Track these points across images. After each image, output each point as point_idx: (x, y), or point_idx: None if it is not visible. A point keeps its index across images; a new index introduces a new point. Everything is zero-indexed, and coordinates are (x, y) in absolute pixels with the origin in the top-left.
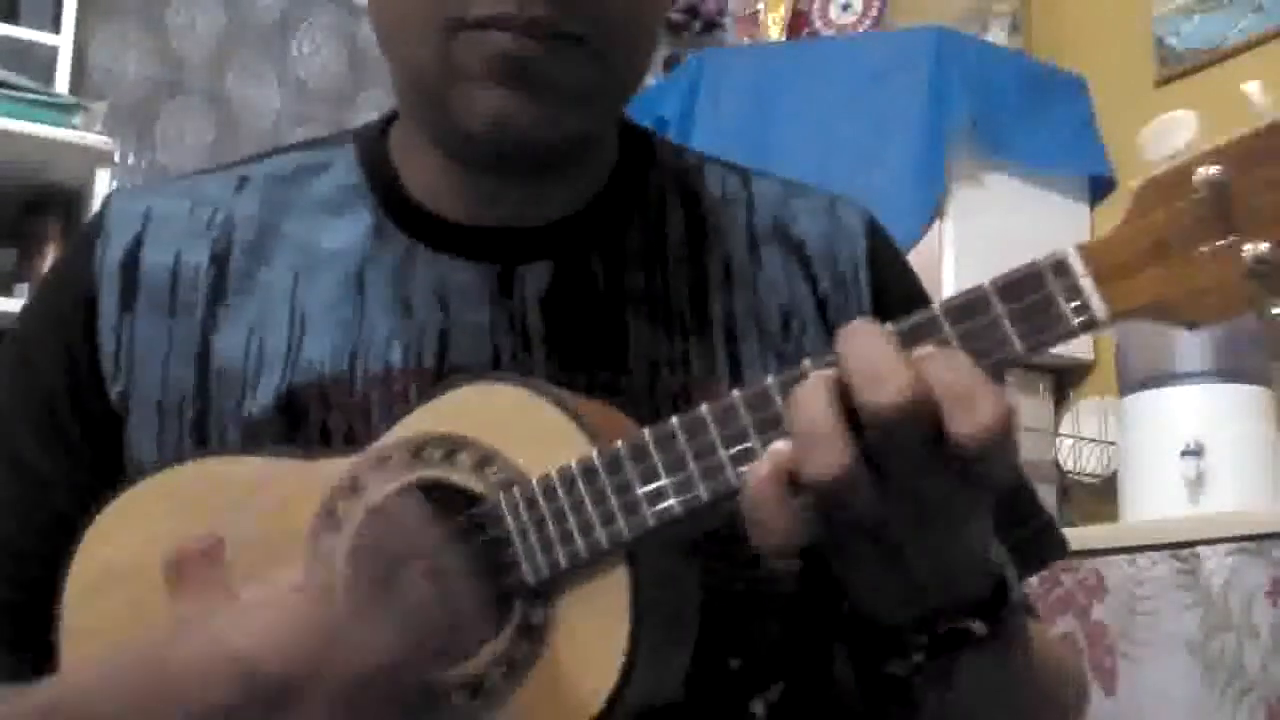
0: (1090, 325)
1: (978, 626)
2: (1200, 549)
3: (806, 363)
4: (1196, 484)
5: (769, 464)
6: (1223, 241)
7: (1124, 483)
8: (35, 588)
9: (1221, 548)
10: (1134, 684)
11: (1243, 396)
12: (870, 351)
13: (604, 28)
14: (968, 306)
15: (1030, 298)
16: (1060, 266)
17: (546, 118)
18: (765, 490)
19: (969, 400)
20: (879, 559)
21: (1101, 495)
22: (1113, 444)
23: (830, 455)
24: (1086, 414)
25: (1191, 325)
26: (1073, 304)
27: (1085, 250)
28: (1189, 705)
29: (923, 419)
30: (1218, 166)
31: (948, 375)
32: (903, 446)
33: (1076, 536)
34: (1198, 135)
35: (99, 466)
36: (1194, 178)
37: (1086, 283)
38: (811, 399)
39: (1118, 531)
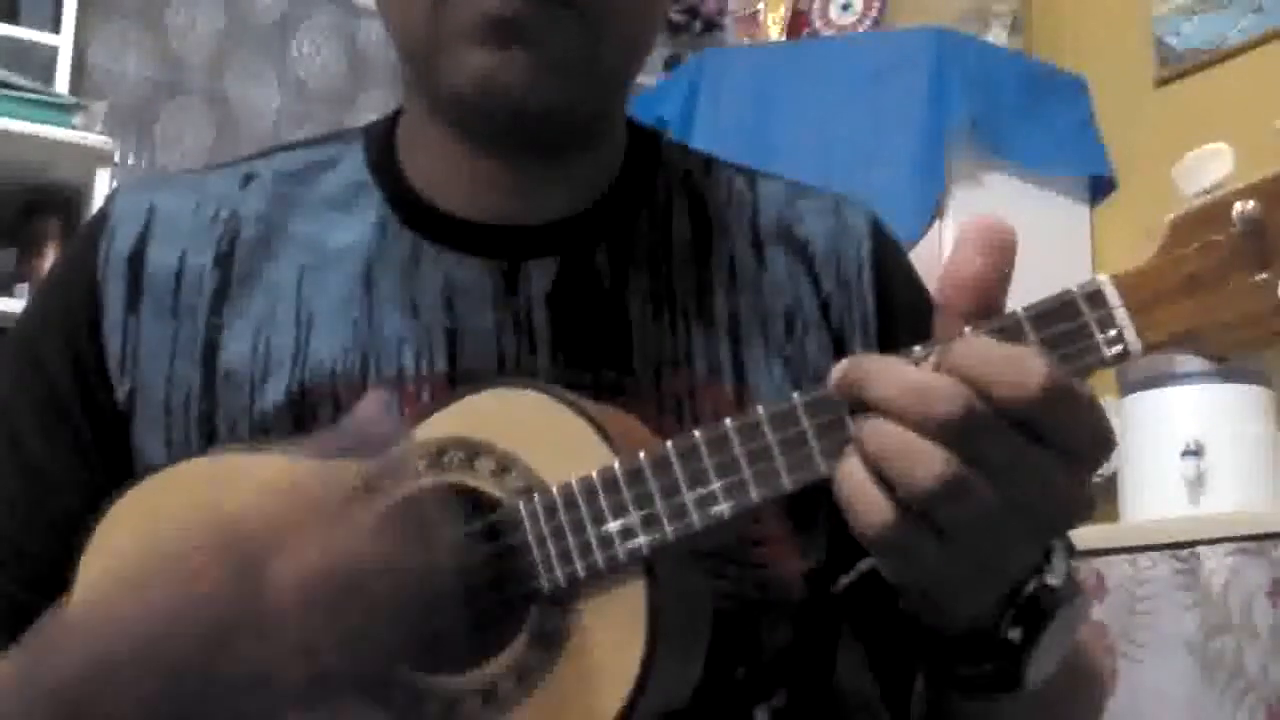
0: (1123, 357)
1: (1059, 571)
2: (1200, 549)
3: (831, 389)
4: (1196, 484)
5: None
6: (1257, 277)
7: (1124, 483)
8: (42, 586)
9: (1221, 548)
10: (1133, 684)
11: (1243, 396)
12: (902, 375)
13: None
14: (1001, 334)
15: (1064, 326)
16: (1095, 297)
17: (535, 79)
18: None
19: (1014, 369)
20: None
21: (1102, 495)
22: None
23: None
24: None
25: (1222, 359)
26: (1107, 334)
27: (1119, 280)
28: (1188, 706)
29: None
30: (1254, 203)
31: (982, 359)
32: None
33: (1077, 536)
34: (1234, 169)
35: (106, 463)
36: (1230, 212)
37: (1121, 314)
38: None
39: (1118, 531)
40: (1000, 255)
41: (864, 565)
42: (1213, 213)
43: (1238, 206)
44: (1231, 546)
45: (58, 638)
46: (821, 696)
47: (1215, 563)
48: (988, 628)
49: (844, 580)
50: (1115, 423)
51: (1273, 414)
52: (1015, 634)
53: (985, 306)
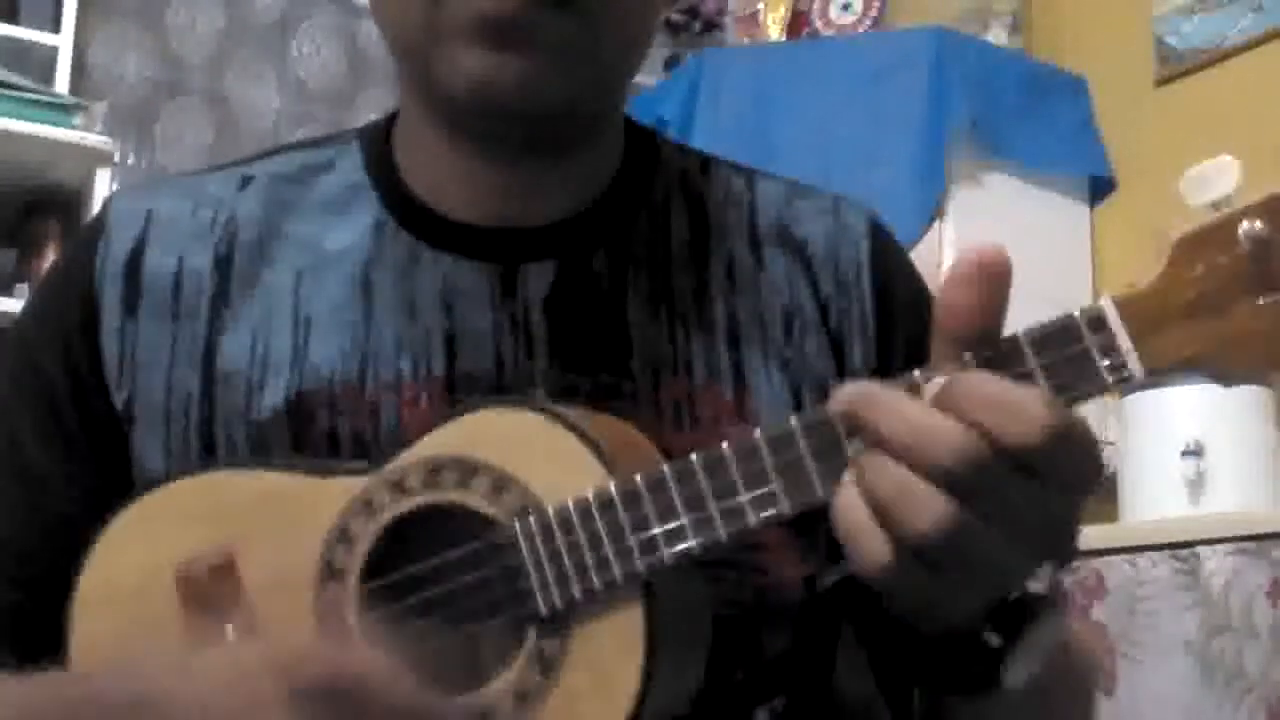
0: (1124, 382)
1: (1043, 578)
2: (1200, 549)
3: (829, 409)
4: (1196, 484)
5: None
6: (1263, 300)
7: (1124, 483)
8: (37, 589)
9: (1221, 548)
10: (1134, 684)
11: (1243, 396)
12: (906, 414)
13: None
14: (1002, 359)
15: (1065, 351)
16: (1096, 321)
17: (529, 78)
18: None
19: (1016, 413)
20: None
21: (1102, 495)
22: (1113, 444)
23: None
24: (1086, 414)
25: (1227, 381)
26: (1109, 360)
27: (1121, 304)
28: (1189, 706)
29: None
30: (1261, 222)
31: (984, 401)
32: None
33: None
34: (1240, 183)
35: (102, 467)
36: (1238, 232)
37: (1124, 340)
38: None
39: (1118, 532)
40: (996, 286)
41: (847, 568)
42: (1218, 232)
43: (1244, 226)
44: (1231, 546)
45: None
46: (821, 700)
47: (1215, 563)
48: (967, 631)
49: (825, 581)
50: (1115, 423)
51: (1273, 414)
52: (995, 640)
53: (983, 334)
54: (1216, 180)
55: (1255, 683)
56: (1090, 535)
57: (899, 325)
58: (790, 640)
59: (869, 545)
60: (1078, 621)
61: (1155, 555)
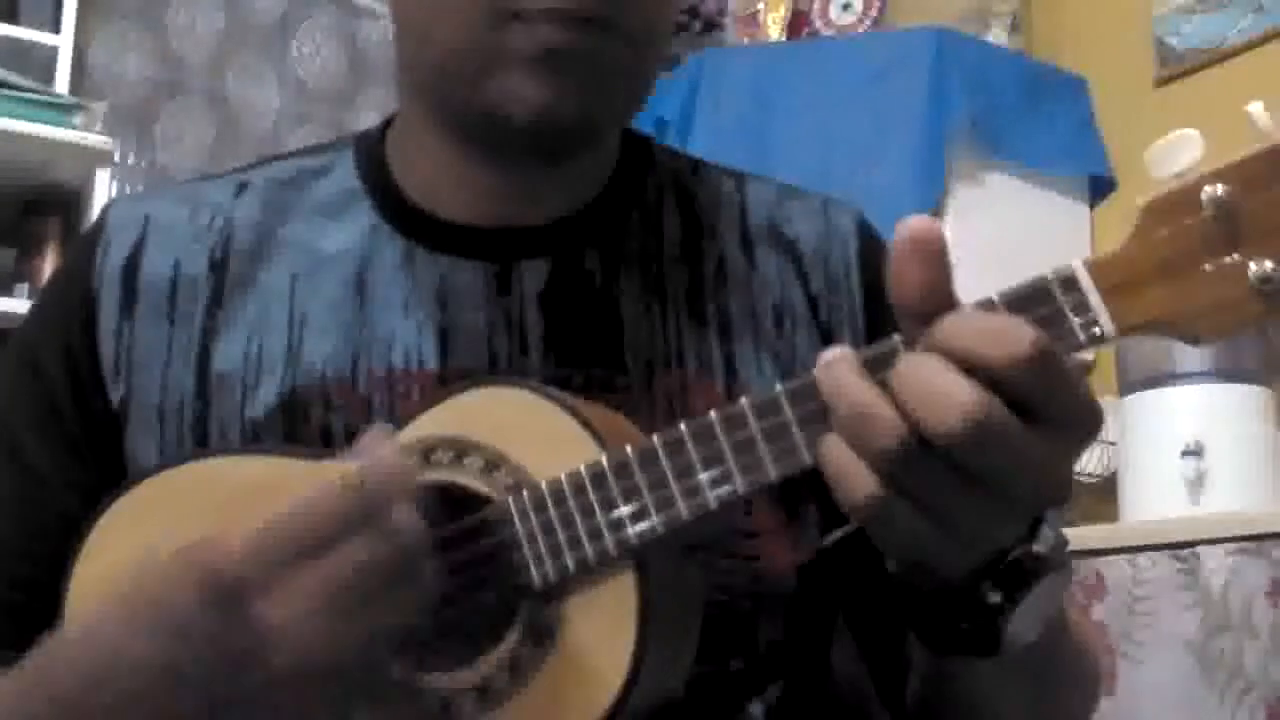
0: (1097, 340)
1: (1046, 540)
2: (1200, 549)
3: (814, 375)
4: (1196, 484)
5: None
6: (1229, 260)
7: (1124, 483)
8: (36, 588)
9: (1221, 548)
10: (1134, 684)
11: (1243, 396)
12: (848, 395)
13: (633, 10)
14: None
15: (1038, 311)
16: (1068, 281)
17: (586, 104)
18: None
19: (937, 404)
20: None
21: (1101, 495)
22: (1113, 444)
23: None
24: None
25: (1196, 341)
26: (1081, 319)
27: (1092, 265)
28: (1189, 705)
29: (923, 448)
30: (1224, 186)
31: (912, 391)
32: (923, 473)
33: (1076, 536)
34: (1203, 153)
35: (101, 467)
36: (1201, 196)
37: (1094, 298)
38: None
39: (1118, 531)
40: (936, 259)
41: (849, 527)
42: (1183, 197)
43: (1207, 190)
44: (1231, 546)
45: (57, 655)
46: (816, 690)
47: (1215, 563)
48: (969, 589)
49: (828, 539)
50: (1115, 423)
51: (1273, 414)
52: (995, 597)
53: (935, 305)
54: (1181, 152)
55: (1255, 682)
56: (1090, 535)
57: (888, 321)
58: (785, 629)
59: (850, 478)
60: (1077, 618)
61: (1155, 555)
